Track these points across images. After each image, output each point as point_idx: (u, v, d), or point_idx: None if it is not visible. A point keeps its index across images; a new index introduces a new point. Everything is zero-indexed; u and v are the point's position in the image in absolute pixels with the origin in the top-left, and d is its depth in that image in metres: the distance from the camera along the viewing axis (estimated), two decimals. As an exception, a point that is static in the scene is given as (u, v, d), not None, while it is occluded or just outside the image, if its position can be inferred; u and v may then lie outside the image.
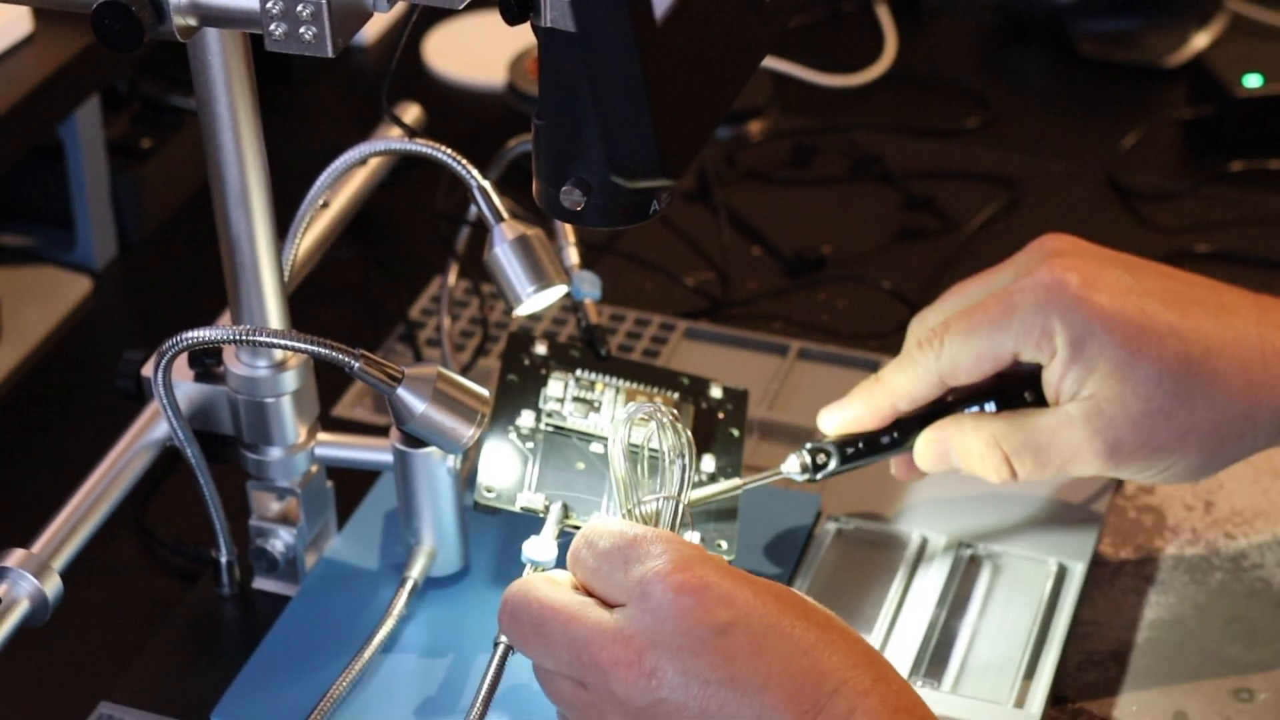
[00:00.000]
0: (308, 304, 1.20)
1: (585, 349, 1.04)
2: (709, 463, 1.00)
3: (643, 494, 0.92)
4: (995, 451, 0.98)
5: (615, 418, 0.94)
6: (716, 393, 1.03)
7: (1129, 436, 0.95)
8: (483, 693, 0.90)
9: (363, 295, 1.24)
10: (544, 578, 0.89)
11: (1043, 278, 0.96)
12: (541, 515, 0.96)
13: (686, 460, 0.92)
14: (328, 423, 1.07)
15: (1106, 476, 1.02)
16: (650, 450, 0.92)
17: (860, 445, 1.00)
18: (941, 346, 0.98)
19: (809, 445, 1.00)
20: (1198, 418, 0.95)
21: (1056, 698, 0.96)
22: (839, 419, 1.00)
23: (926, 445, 1.00)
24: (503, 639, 0.90)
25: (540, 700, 0.89)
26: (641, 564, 0.85)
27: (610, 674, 0.83)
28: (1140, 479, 0.99)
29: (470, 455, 1.06)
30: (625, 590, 0.85)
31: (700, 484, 0.98)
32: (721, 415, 1.02)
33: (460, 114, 1.40)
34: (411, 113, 1.22)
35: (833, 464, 1.00)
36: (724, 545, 0.97)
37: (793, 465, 1.00)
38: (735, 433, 1.00)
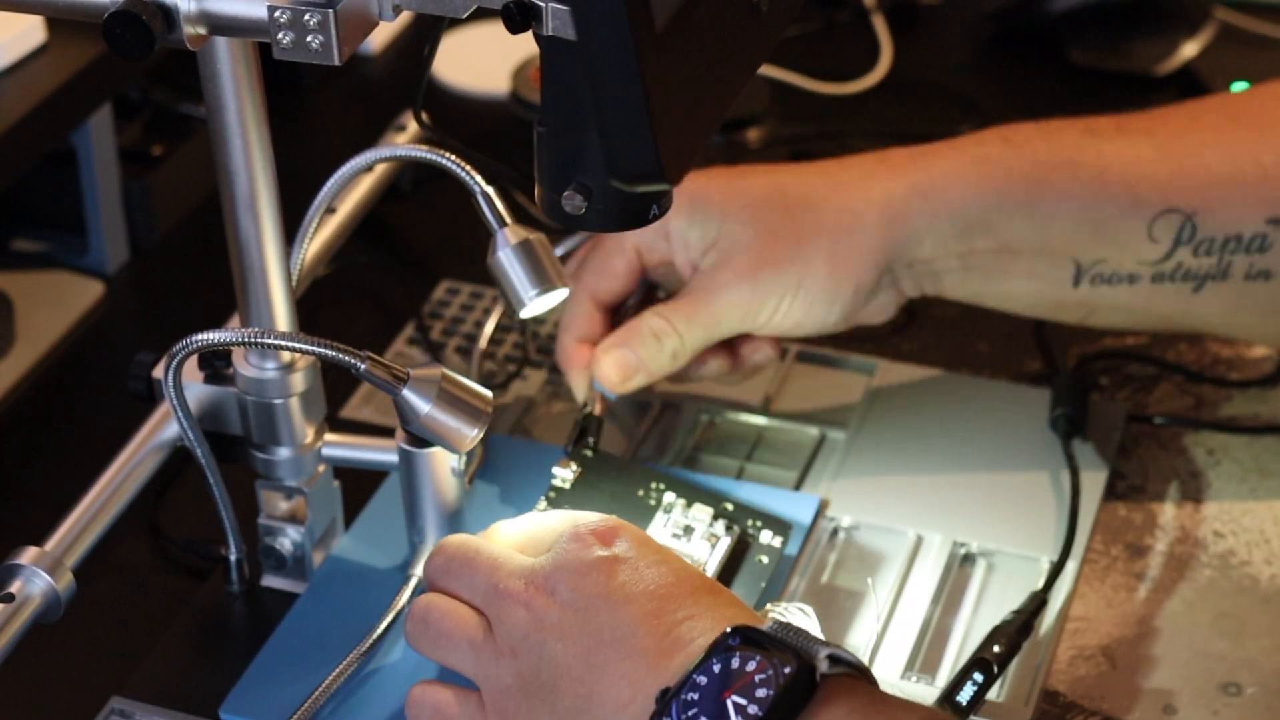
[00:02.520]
0: (316, 308, 1.20)
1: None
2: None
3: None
4: (655, 318, 1.03)
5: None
6: (766, 537, 1.01)
7: (749, 256, 1.03)
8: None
9: (370, 298, 1.24)
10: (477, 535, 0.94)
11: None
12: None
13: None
14: (335, 423, 1.07)
15: (754, 310, 1.04)
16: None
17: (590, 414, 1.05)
18: (579, 275, 1.07)
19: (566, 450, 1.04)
20: (804, 228, 1.03)
21: (1048, 693, 0.96)
22: (580, 389, 1.06)
23: (607, 356, 1.04)
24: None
25: None
26: (564, 520, 0.91)
27: (518, 597, 0.87)
28: (786, 309, 1.04)
29: (475, 455, 1.06)
30: (551, 540, 0.90)
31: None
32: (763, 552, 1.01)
33: (465, 122, 1.40)
34: (413, 121, 1.22)
35: (594, 440, 1.04)
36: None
37: (564, 475, 1.03)
38: (764, 560, 1.00)
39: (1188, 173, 1.03)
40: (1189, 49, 1.43)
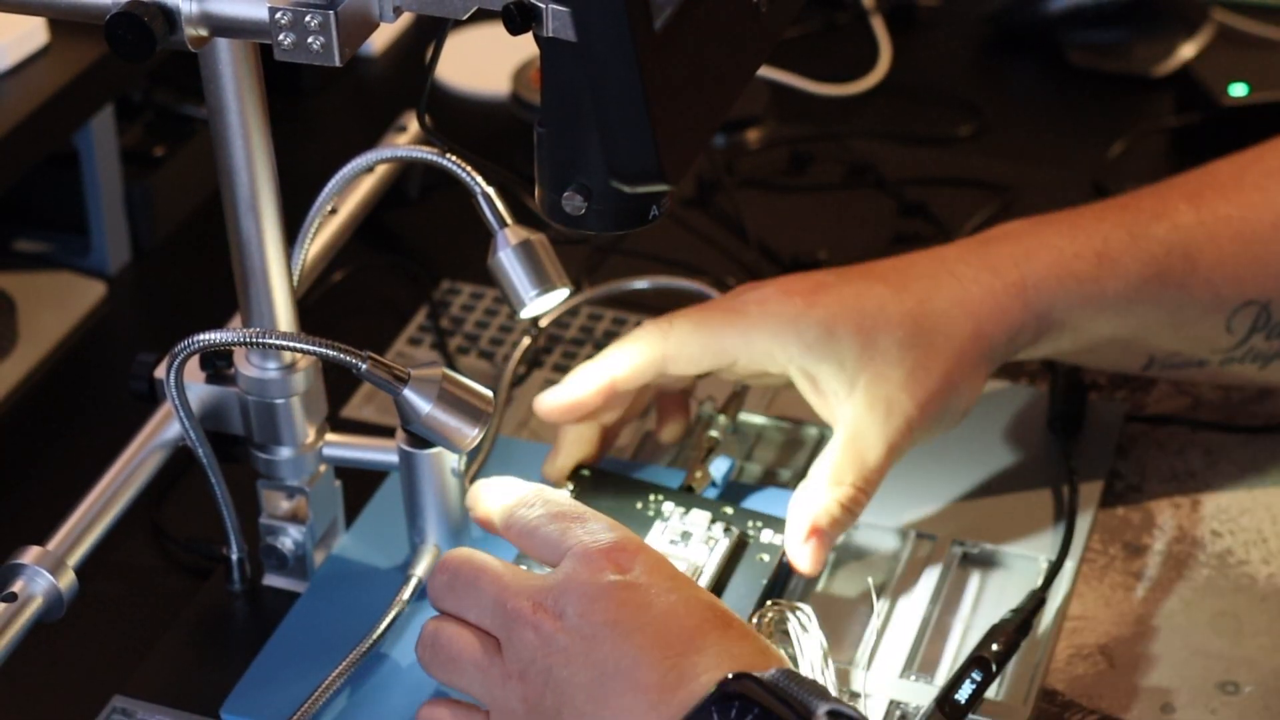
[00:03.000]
0: (317, 308, 1.20)
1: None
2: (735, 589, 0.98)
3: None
4: (839, 489, 0.98)
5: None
6: (768, 536, 1.00)
7: (908, 400, 0.98)
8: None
9: (371, 299, 1.24)
10: (484, 552, 0.91)
11: (769, 290, 1.00)
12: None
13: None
14: (336, 423, 1.07)
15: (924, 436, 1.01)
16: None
17: None
18: (670, 328, 1.00)
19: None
20: (943, 356, 0.99)
21: (1047, 691, 0.96)
22: (557, 400, 1.01)
23: (804, 549, 0.97)
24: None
25: None
26: (585, 535, 0.88)
27: (528, 619, 0.86)
28: (942, 430, 1.01)
29: (476, 456, 1.06)
30: (560, 552, 0.88)
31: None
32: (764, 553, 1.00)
33: (465, 123, 1.40)
34: (414, 122, 1.22)
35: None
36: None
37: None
38: (765, 558, 0.99)
39: (1264, 263, 1.03)
40: (1187, 50, 1.43)
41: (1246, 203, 1.04)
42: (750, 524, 1.00)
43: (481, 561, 0.90)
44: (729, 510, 1.01)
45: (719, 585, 0.97)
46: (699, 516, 1.00)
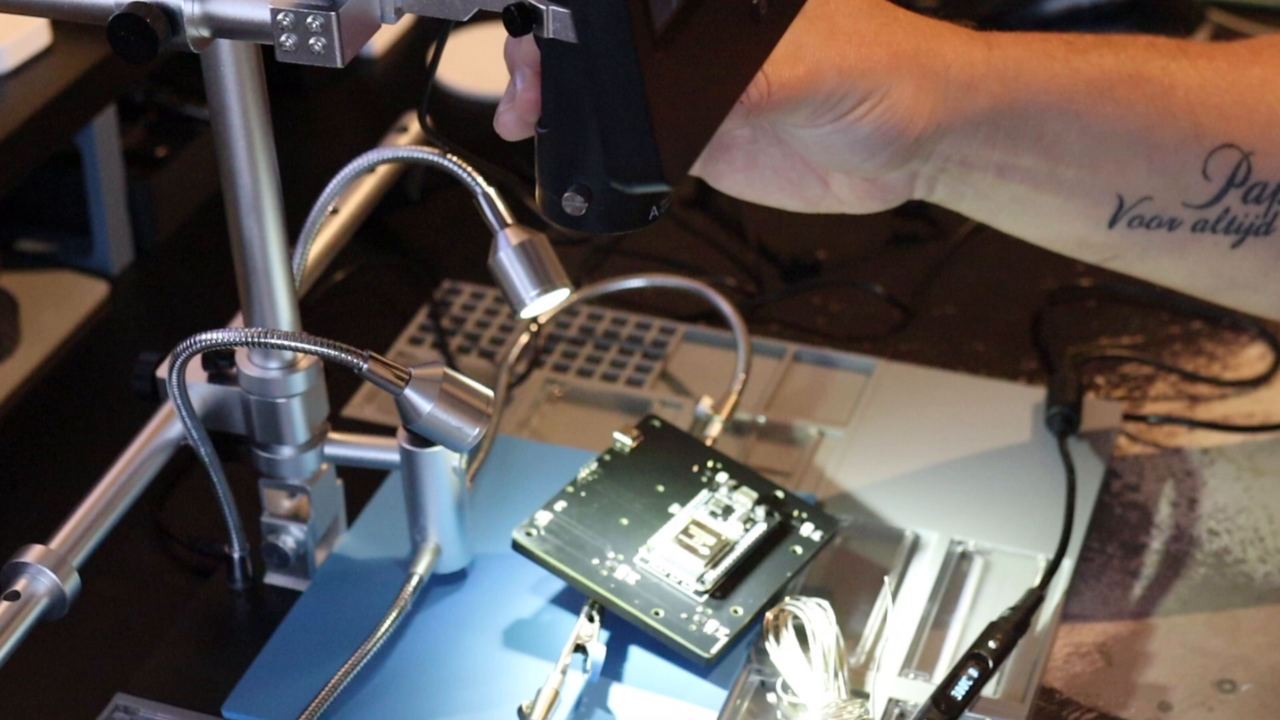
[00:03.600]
0: (319, 307, 1.20)
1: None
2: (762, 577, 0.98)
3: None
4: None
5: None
6: (808, 530, 1.00)
7: (849, 42, 0.89)
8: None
9: (372, 298, 1.24)
10: None
11: None
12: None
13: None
14: (337, 422, 1.07)
15: (848, 85, 0.90)
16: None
17: None
18: None
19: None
20: (899, 36, 0.91)
21: (1044, 689, 0.96)
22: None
23: None
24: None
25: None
26: None
27: None
28: (868, 107, 0.90)
29: (476, 455, 1.06)
30: None
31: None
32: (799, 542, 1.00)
33: (465, 123, 1.40)
34: (415, 122, 1.22)
35: None
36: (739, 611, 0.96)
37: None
38: (798, 550, 0.99)
39: (1250, 107, 0.95)
40: (1184, 51, 1.43)
41: (1231, 57, 0.97)
42: (796, 513, 1.00)
43: None
44: (779, 495, 1.01)
45: (746, 567, 0.97)
46: (745, 496, 1.00)
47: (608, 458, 1.02)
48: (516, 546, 0.98)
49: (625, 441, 1.02)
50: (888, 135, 0.91)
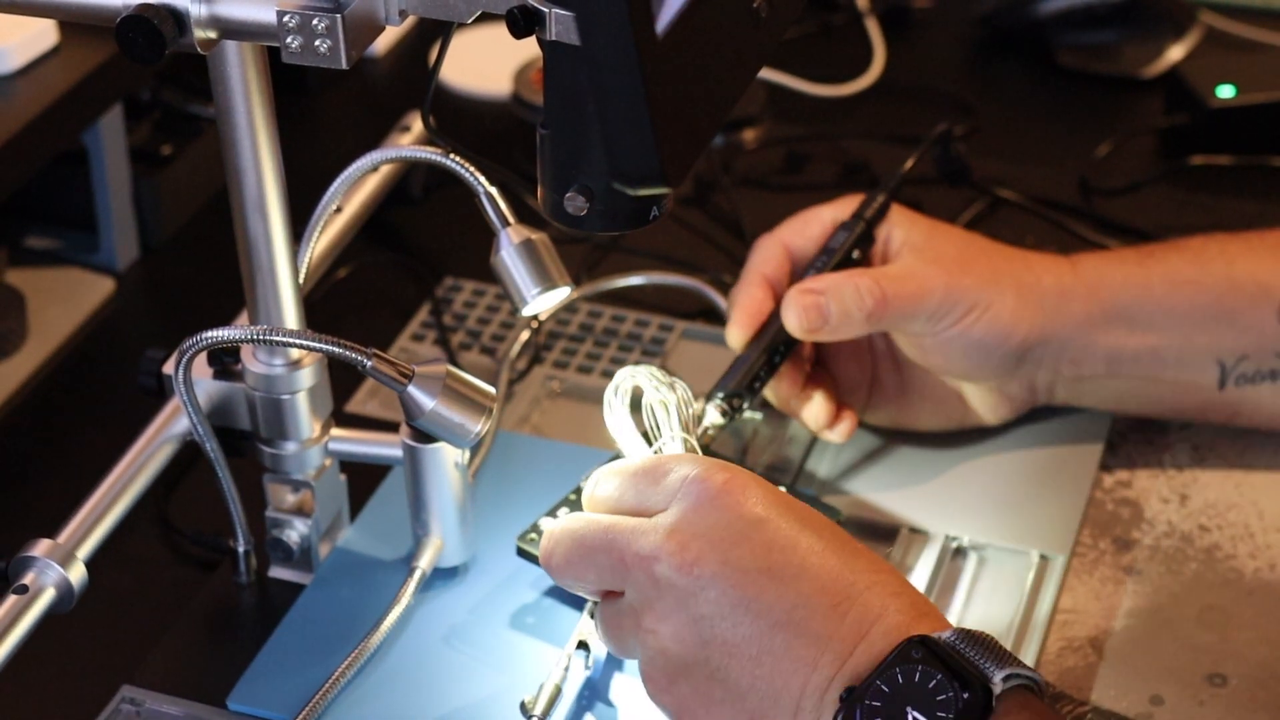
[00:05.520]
0: (323, 305, 1.20)
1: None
2: None
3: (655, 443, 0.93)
4: (863, 277, 1.02)
5: (607, 390, 0.94)
6: None
7: (952, 263, 1.03)
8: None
9: (376, 296, 1.24)
10: (580, 513, 0.91)
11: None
12: None
13: (681, 404, 0.93)
14: (341, 418, 1.06)
15: (949, 306, 1.03)
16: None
17: (760, 374, 1.03)
18: (777, 228, 1.08)
19: (720, 394, 1.02)
20: (999, 267, 1.04)
21: (1038, 683, 0.96)
22: (742, 327, 1.04)
23: (799, 299, 1.02)
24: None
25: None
26: (676, 472, 0.87)
27: (653, 560, 0.85)
28: (970, 322, 1.03)
29: (478, 451, 1.06)
30: (662, 498, 0.87)
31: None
32: None
33: (467, 123, 1.40)
34: (417, 122, 1.22)
35: (747, 403, 1.02)
36: None
37: (714, 416, 1.01)
38: None
39: None
40: (1175, 52, 1.43)
41: (1275, 233, 1.08)
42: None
43: (580, 523, 0.89)
44: (782, 490, 1.00)
45: None
46: None
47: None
48: (521, 553, 0.98)
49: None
50: (996, 339, 1.03)
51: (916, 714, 0.79)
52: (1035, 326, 1.04)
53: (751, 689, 0.83)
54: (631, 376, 0.94)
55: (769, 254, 1.06)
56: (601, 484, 0.91)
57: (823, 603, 0.83)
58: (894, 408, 1.08)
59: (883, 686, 0.80)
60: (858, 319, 1.01)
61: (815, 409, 1.05)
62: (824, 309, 1.01)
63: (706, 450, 0.99)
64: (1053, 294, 1.04)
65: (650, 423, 0.94)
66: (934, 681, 0.80)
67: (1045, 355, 1.05)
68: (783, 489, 0.99)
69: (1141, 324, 1.04)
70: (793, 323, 1.02)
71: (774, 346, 1.04)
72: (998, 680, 0.80)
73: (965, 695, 0.79)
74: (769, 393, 1.05)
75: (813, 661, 0.82)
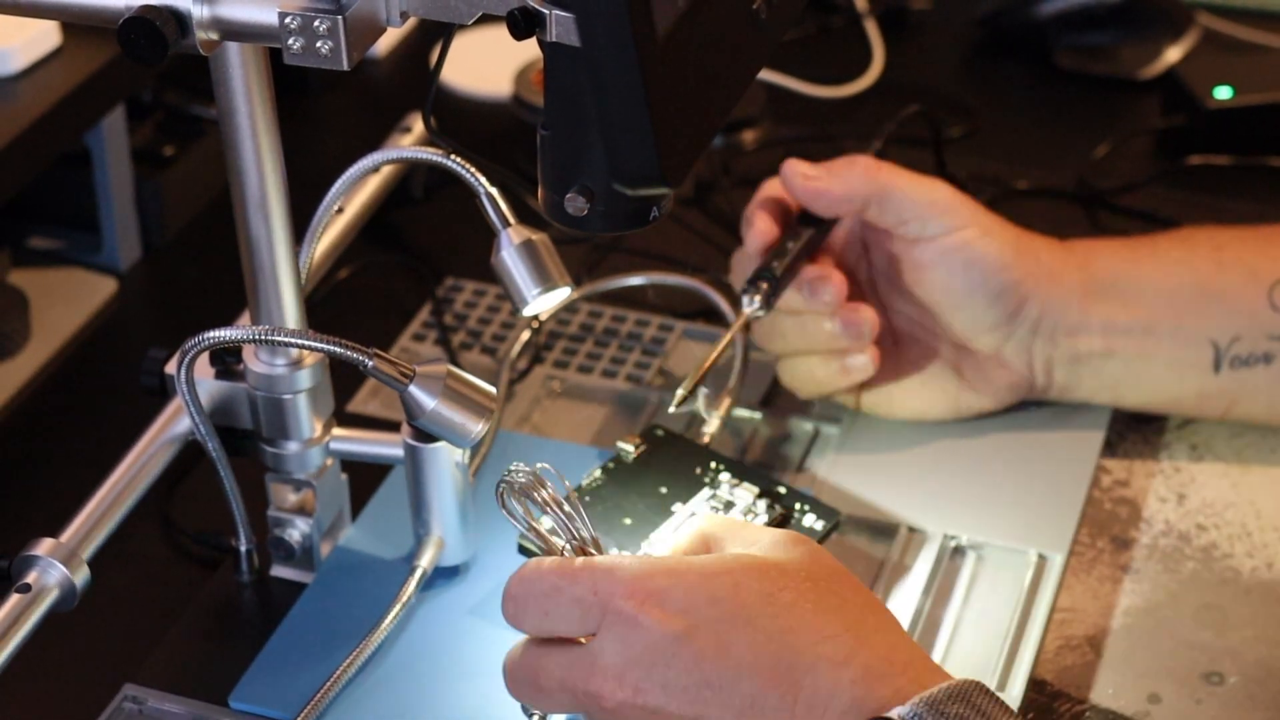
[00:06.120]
0: (324, 305, 1.20)
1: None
2: None
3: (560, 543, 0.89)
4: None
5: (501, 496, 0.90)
6: (810, 520, 0.99)
7: (955, 191, 1.07)
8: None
9: (377, 296, 1.24)
10: (524, 639, 0.87)
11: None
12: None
13: (569, 508, 0.88)
14: (342, 418, 1.06)
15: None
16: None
17: (780, 258, 1.05)
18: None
19: (750, 280, 1.04)
20: (995, 218, 1.07)
21: (1036, 682, 0.96)
22: (756, 237, 1.06)
23: (793, 164, 1.07)
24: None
25: None
26: (595, 593, 0.84)
27: (600, 697, 0.83)
28: (973, 234, 1.05)
29: (479, 450, 1.06)
30: (591, 622, 0.84)
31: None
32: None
33: (468, 123, 1.40)
34: (418, 123, 1.22)
35: (775, 285, 1.04)
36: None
37: (750, 305, 1.04)
38: None
39: None
40: (1172, 54, 1.43)
41: (1264, 225, 1.09)
42: (799, 506, 1.00)
43: (532, 657, 0.86)
44: (781, 490, 1.00)
45: None
46: (746, 491, 0.99)
47: (611, 465, 1.02)
48: (522, 550, 0.98)
49: (628, 450, 1.02)
50: (993, 266, 1.04)
51: None
52: (1030, 277, 1.05)
53: None
54: (506, 486, 0.88)
55: (772, 186, 1.09)
56: (525, 603, 0.85)
57: (771, 697, 0.81)
58: (889, 389, 1.08)
59: None
60: (856, 171, 1.05)
61: (859, 313, 1.06)
62: (819, 171, 1.06)
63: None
64: (1046, 261, 1.06)
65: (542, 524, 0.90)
66: None
67: (1042, 322, 1.05)
68: (782, 489, 1.00)
69: (1133, 298, 1.06)
70: (792, 172, 1.06)
71: (789, 235, 1.06)
72: None
73: None
74: (797, 297, 1.05)
75: None
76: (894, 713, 0.78)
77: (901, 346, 1.09)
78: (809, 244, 1.06)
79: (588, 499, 0.99)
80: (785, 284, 1.04)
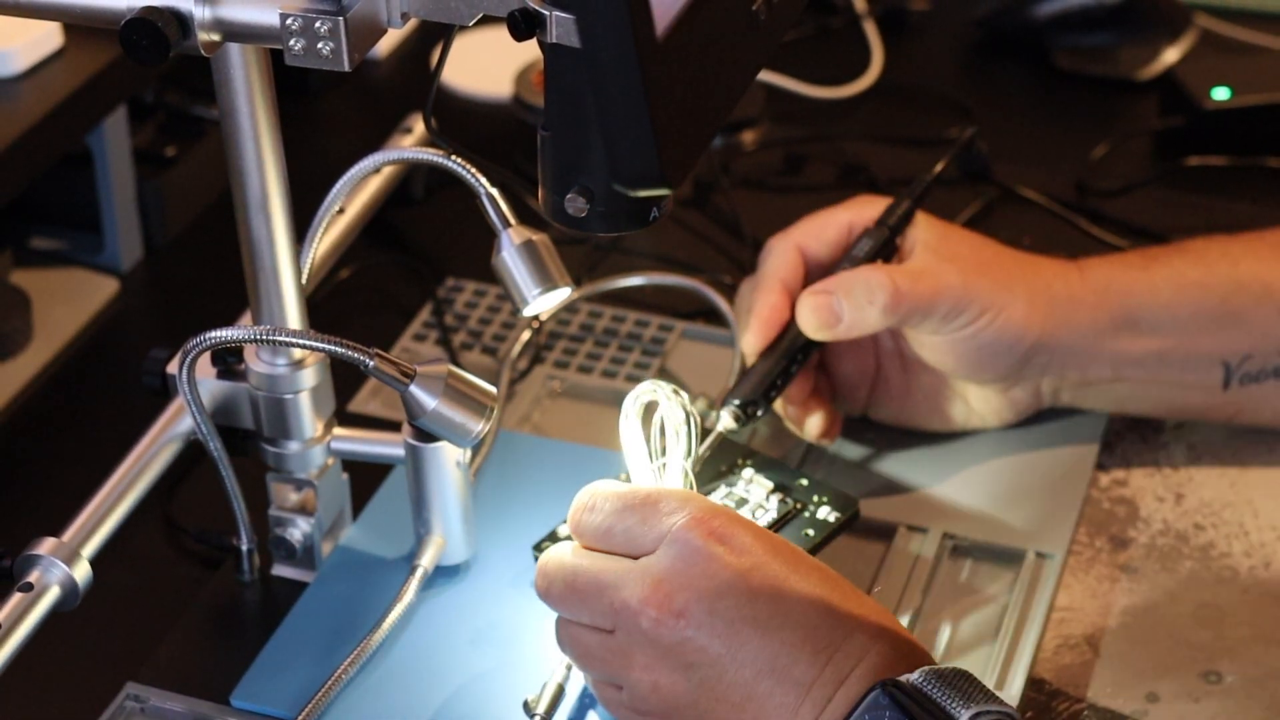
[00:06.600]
0: (325, 305, 1.20)
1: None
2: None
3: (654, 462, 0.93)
4: (875, 272, 1.02)
5: (627, 400, 0.93)
6: (824, 513, 0.99)
7: (968, 263, 1.03)
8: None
9: (378, 296, 1.24)
10: (573, 545, 0.90)
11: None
12: None
13: (691, 428, 0.92)
14: (343, 418, 1.07)
15: (962, 306, 1.02)
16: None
17: (776, 382, 1.03)
18: (791, 230, 1.07)
19: (735, 401, 1.02)
20: (1012, 272, 1.04)
21: (1034, 680, 0.96)
22: (759, 335, 1.04)
23: (810, 299, 1.02)
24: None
25: None
26: (668, 516, 0.87)
27: (640, 613, 0.85)
28: (984, 324, 1.02)
29: (479, 450, 1.06)
30: (650, 540, 0.87)
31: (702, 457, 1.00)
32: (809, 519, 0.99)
33: (468, 124, 1.40)
34: (419, 124, 1.22)
35: (761, 410, 1.02)
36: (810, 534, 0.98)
37: (728, 422, 1.02)
38: (810, 533, 0.98)
39: None
40: (1170, 55, 1.43)
41: (1275, 235, 1.08)
42: (816, 498, 0.99)
43: (571, 562, 0.88)
44: (804, 482, 1.00)
45: None
46: (760, 486, 0.99)
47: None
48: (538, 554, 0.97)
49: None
50: (1007, 344, 1.03)
51: None
52: (1044, 333, 1.04)
53: None
54: (652, 391, 0.93)
55: (785, 259, 1.06)
56: (592, 512, 0.89)
57: (806, 650, 0.83)
58: (897, 406, 1.08)
59: None
60: (872, 315, 1.01)
61: (815, 421, 1.05)
62: (835, 308, 1.01)
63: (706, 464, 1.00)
64: (1062, 301, 1.04)
65: (656, 441, 0.94)
66: None
67: (1052, 362, 1.05)
68: (804, 480, 1.00)
69: (1147, 328, 1.05)
70: (808, 322, 1.02)
71: (791, 353, 1.03)
72: (965, 718, 0.79)
73: None
74: None
75: (794, 708, 0.83)
76: (904, 678, 0.81)
77: (910, 374, 1.08)
78: (807, 358, 1.04)
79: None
80: (775, 398, 1.04)
